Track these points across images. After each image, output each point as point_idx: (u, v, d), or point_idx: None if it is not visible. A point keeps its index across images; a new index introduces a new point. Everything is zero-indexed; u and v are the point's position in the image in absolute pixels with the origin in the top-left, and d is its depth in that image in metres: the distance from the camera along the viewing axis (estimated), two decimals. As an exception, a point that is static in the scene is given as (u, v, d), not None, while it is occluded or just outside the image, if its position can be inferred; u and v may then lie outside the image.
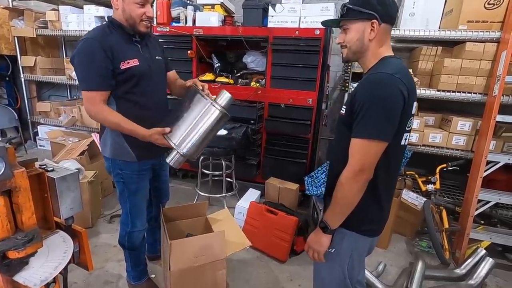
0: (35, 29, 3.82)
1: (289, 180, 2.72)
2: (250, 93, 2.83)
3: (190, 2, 3.01)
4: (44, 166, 1.04)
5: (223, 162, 2.59)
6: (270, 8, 2.65)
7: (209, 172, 2.80)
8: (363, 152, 0.96)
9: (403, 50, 3.06)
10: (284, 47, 2.65)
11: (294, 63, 2.66)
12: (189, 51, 2.92)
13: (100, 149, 1.62)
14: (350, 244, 1.12)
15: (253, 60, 3.05)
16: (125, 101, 1.42)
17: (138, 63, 1.41)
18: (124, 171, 1.51)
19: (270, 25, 2.69)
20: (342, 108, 1.10)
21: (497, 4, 2.22)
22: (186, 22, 2.95)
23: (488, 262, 1.94)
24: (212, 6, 2.88)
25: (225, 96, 1.35)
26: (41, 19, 3.85)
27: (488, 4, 2.24)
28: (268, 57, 2.74)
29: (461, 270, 2.03)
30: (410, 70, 2.70)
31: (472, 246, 2.22)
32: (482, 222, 2.39)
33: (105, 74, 1.32)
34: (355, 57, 1.08)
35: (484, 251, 2.03)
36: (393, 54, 1.06)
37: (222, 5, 2.89)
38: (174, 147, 1.32)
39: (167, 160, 1.36)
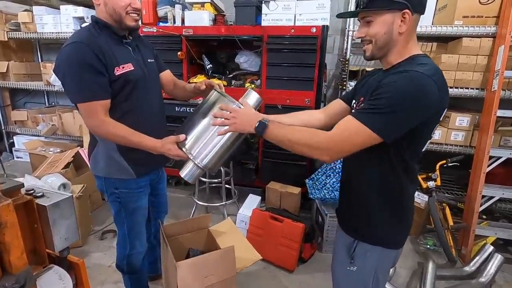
0: (6, 31, 3.52)
1: (290, 184, 2.63)
2: (245, 94, 2.71)
3: (178, 1, 2.85)
4: (32, 192, 0.89)
5: (221, 168, 2.46)
6: (263, 5, 2.54)
7: (206, 179, 2.66)
8: (352, 135, 0.88)
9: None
10: (280, 46, 2.55)
11: (290, 63, 2.56)
12: (179, 53, 2.76)
13: (89, 166, 1.46)
14: (374, 260, 1.03)
15: (246, 60, 2.93)
16: (119, 111, 1.26)
17: (133, 68, 1.27)
18: (121, 190, 1.36)
19: (264, 23, 2.57)
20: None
21: (491, -1, 2.22)
22: (174, 22, 2.79)
23: (497, 259, 1.93)
24: (202, 4, 2.73)
25: (252, 96, 1.16)
26: (12, 21, 3.55)
27: (483, -1, 2.24)
28: (263, 57, 2.63)
29: (470, 268, 2.01)
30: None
31: (478, 242, 2.22)
32: (484, 217, 2.40)
33: (102, 81, 1.17)
34: (381, 53, 0.95)
35: (491, 247, 2.02)
36: (421, 52, 0.97)
37: (212, 3, 2.75)
38: (191, 158, 1.12)
39: (182, 174, 1.16)
